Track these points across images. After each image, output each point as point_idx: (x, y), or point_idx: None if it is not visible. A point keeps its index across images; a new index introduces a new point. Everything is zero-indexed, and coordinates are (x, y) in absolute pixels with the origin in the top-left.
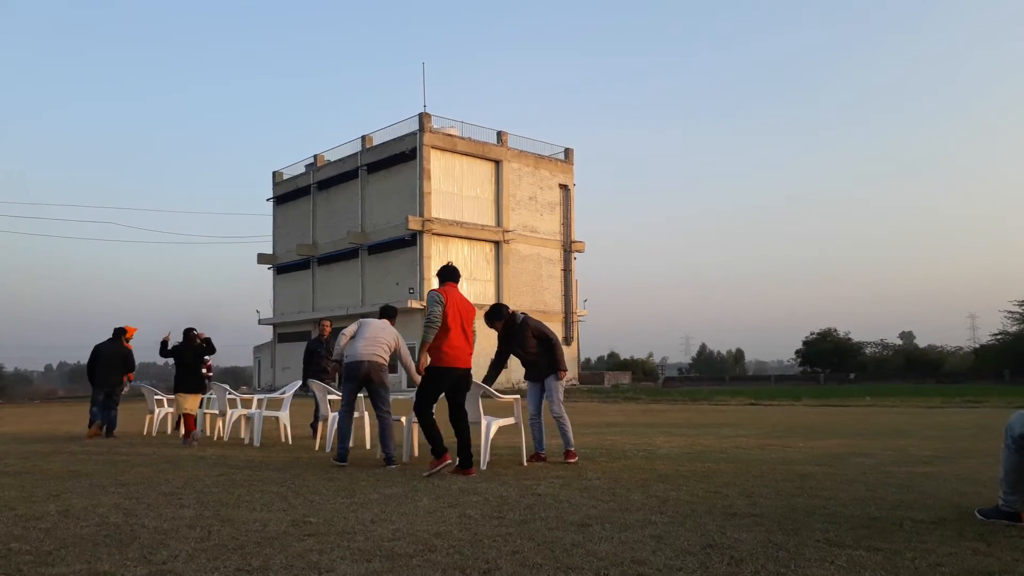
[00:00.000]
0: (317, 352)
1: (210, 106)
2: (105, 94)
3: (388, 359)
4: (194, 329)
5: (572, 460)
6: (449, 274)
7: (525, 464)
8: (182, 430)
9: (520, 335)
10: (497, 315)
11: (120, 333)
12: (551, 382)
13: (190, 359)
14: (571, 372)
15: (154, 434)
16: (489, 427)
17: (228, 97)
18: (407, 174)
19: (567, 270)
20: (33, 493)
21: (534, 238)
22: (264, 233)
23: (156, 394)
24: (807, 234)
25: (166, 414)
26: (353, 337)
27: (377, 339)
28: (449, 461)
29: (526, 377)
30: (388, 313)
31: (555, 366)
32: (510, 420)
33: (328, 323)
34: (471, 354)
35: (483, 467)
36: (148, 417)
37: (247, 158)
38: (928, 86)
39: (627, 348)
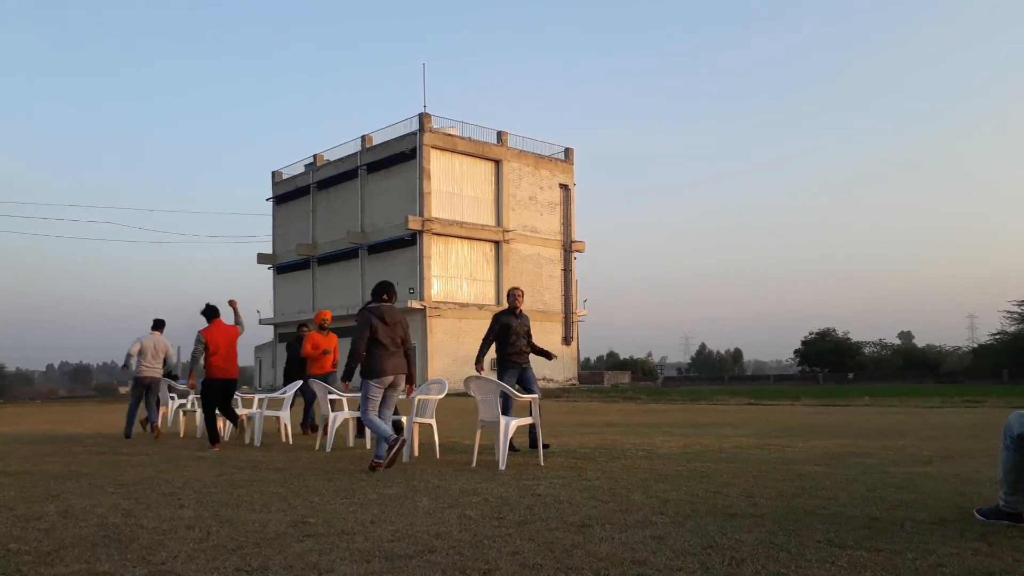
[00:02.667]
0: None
1: (210, 106)
2: (105, 94)
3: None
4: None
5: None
6: (210, 313)
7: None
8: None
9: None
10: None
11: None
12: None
13: None
14: (570, 372)
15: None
16: (508, 427)
17: (228, 97)
18: (407, 174)
19: (567, 270)
20: (33, 493)
21: (534, 238)
22: (264, 233)
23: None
24: (807, 234)
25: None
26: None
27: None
28: (217, 449)
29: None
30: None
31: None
32: (528, 420)
33: (306, 330)
34: (235, 368)
35: (502, 467)
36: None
37: (247, 158)
38: (929, 86)
39: (627, 348)
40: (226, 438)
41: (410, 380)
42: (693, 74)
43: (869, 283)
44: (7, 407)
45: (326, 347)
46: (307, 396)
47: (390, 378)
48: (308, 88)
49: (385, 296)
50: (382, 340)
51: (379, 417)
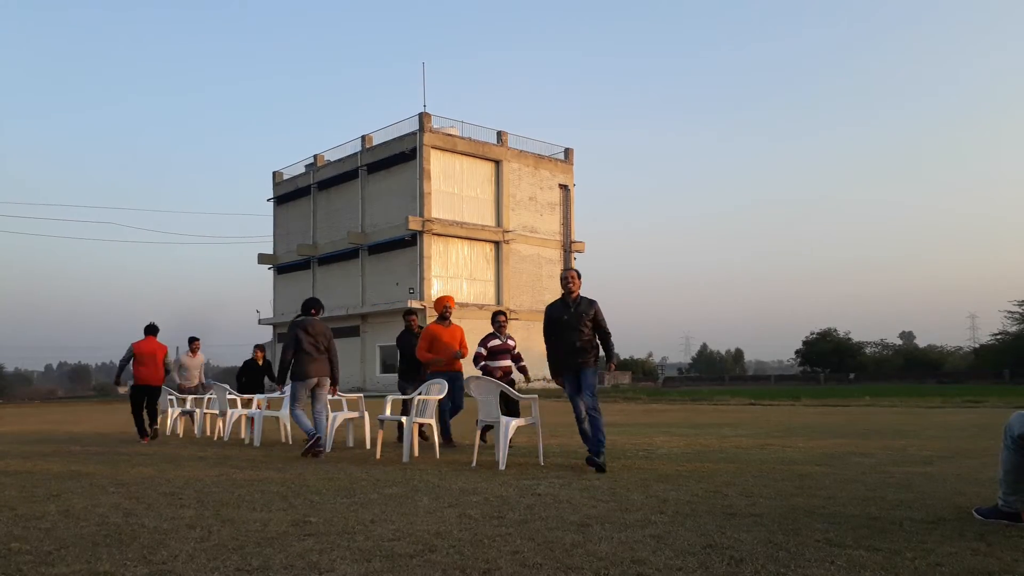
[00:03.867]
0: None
1: (210, 106)
2: (105, 94)
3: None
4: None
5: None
6: (149, 330)
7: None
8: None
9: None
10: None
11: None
12: None
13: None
14: None
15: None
16: (508, 427)
17: (228, 97)
18: (407, 174)
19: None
20: (33, 493)
21: (534, 238)
22: (264, 233)
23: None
24: (807, 234)
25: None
26: None
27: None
28: (147, 442)
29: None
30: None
31: None
32: (527, 420)
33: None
34: (160, 377)
35: (502, 467)
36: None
37: (247, 158)
38: (929, 86)
39: (627, 348)
40: (158, 435)
41: (334, 382)
42: (693, 74)
43: (870, 283)
44: (6, 407)
45: (449, 343)
46: (442, 404)
47: (314, 380)
48: (308, 88)
49: (313, 311)
50: (306, 348)
51: (314, 412)
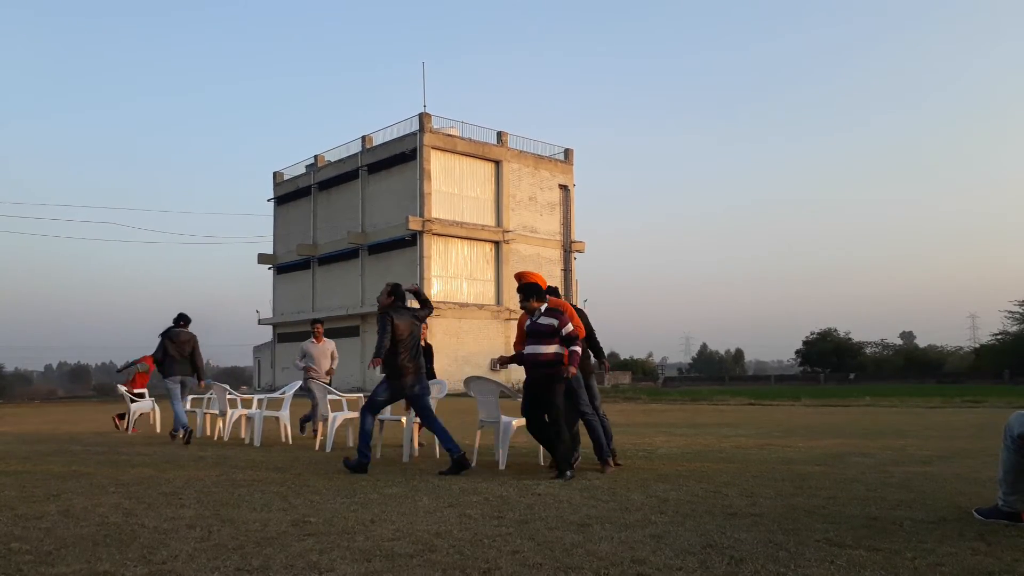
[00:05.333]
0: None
1: (210, 106)
2: (105, 94)
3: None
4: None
5: None
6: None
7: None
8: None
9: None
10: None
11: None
12: None
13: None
14: None
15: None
16: (508, 427)
17: (228, 97)
18: (407, 174)
19: (567, 270)
20: (33, 493)
21: (534, 238)
22: (264, 233)
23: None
24: (807, 234)
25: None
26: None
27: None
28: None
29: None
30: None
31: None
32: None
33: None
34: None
35: (502, 467)
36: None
37: (247, 158)
38: (929, 86)
39: (627, 348)
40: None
41: (199, 378)
42: (693, 75)
43: (870, 283)
44: (6, 407)
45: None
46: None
47: (179, 378)
48: (308, 88)
49: (182, 323)
50: (171, 353)
51: (179, 404)
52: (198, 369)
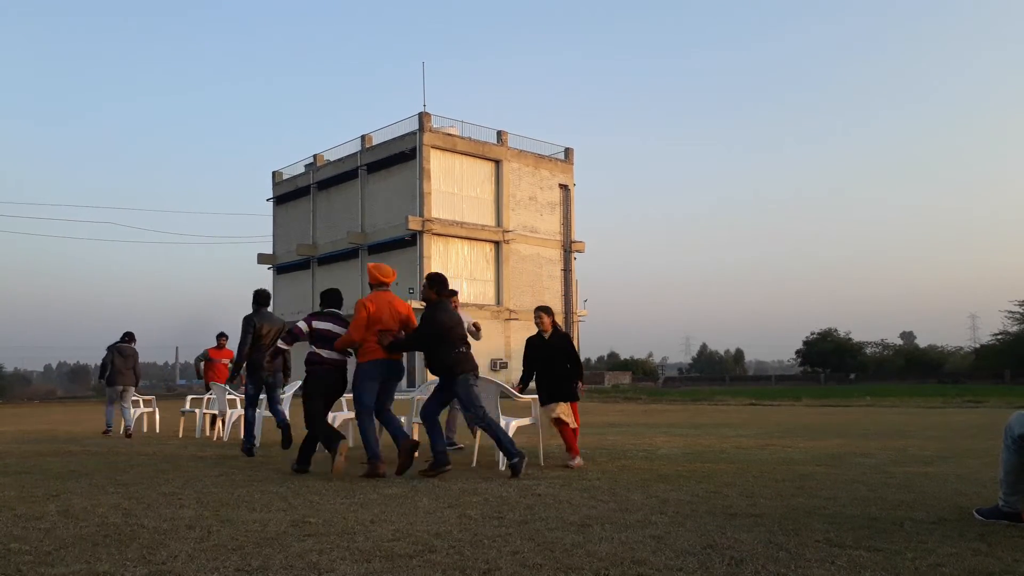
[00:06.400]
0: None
1: (210, 106)
2: (105, 94)
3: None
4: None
5: None
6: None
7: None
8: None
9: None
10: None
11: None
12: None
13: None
14: None
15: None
16: (508, 427)
17: (228, 97)
18: (407, 174)
19: (567, 270)
20: (33, 493)
21: (534, 238)
22: (264, 233)
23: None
24: (807, 234)
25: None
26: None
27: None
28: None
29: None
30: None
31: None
32: (527, 420)
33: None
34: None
35: (502, 467)
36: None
37: (247, 158)
38: (929, 86)
39: (627, 348)
40: (225, 437)
41: (136, 385)
42: (693, 75)
43: (871, 283)
44: (6, 407)
45: None
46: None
47: (120, 387)
48: (308, 88)
49: (127, 339)
50: (117, 365)
51: (120, 409)
52: (137, 378)
